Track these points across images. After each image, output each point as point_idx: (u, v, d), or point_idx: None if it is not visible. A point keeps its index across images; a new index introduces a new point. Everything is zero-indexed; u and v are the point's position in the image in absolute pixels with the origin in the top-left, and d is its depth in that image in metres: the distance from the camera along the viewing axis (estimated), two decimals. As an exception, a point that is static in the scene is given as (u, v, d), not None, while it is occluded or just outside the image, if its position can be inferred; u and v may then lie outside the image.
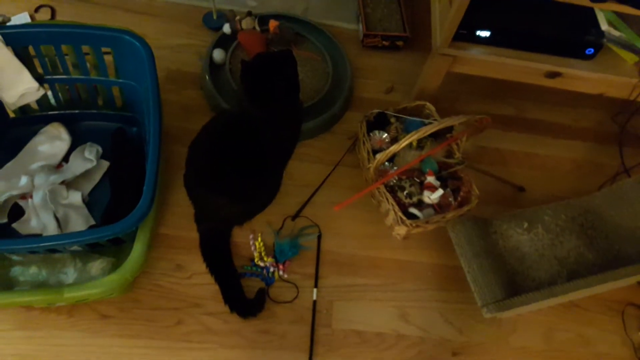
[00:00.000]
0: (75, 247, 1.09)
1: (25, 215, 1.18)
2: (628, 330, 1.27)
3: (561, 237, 1.26)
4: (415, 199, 1.25)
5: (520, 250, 1.23)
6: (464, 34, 1.28)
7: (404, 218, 1.19)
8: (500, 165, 1.47)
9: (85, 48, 1.18)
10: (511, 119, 1.57)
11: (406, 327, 1.20)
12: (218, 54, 1.45)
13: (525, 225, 1.25)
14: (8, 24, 1.17)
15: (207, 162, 1.16)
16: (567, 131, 1.58)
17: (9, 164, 1.23)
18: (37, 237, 1.14)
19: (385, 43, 1.60)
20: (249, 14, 1.52)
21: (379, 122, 1.37)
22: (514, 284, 1.17)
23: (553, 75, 1.35)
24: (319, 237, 1.28)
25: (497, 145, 1.51)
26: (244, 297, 1.16)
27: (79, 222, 1.18)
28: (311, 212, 1.31)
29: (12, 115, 1.27)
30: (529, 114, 1.59)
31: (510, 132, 1.54)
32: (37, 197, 1.17)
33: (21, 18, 1.50)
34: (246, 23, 1.49)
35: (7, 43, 1.13)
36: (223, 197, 1.16)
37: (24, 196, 1.19)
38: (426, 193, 1.25)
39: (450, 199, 1.27)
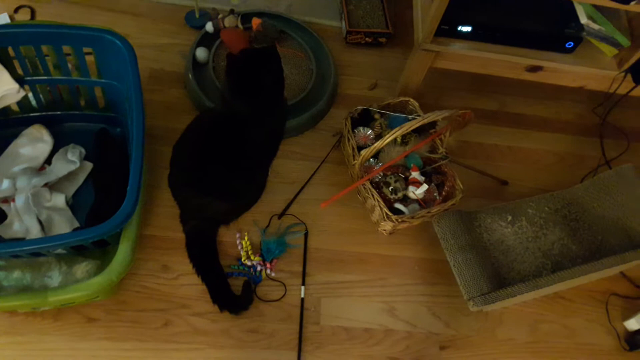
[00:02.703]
0: (59, 250, 1.08)
1: (8, 219, 1.16)
2: (612, 320, 1.29)
3: (545, 230, 1.27)
4: (400, 195, 1.26)
5: (504, 243, 1.24)
6: (446, 30, 1.29)
7: (390, 214, 1.20)
8: (483, 159, 1.49)
9: (66, 48, 1.17)
10: (494, 114, 1.58)
11: (394, 322, 1.21)
12: (201, 53, 1.44)
13: (509, 218, 1.27)
14: (-14, 25, 1.16)
15: (192, 162, 1.16)
16: (549, 124, 1.59)
17: (-10, 168, 1.22)
18: (20, 240, 1.13)
19: (369, 40, 1.60)
20: (232, 12, 1.51)
21: (364, 118, 1.37)
22: (499, 276, 1.19)
23: (534, 69, 1.36)
24: (306, 235, 1.28)
25: (480, 139, 1.52)
26: (232, 295, 1.16)
27: (63, 224, 1.17)
28: (298, 209, 1.32)
29: (-7, 118, 1.26)
30: (511, 108, 1.60)
31: (493, 126, 1.55)
32: (19, 201, 1.16)
33: (0, 19, 1.48)
34: (229, 21, 1.49)
35: (-15, 44, 1.11)
36: (208, 197, 1.16)
37: (5, 200, 1.18)
38: (411, 188, 1.25)
39: (434, 194, 1.28)
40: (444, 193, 1.28)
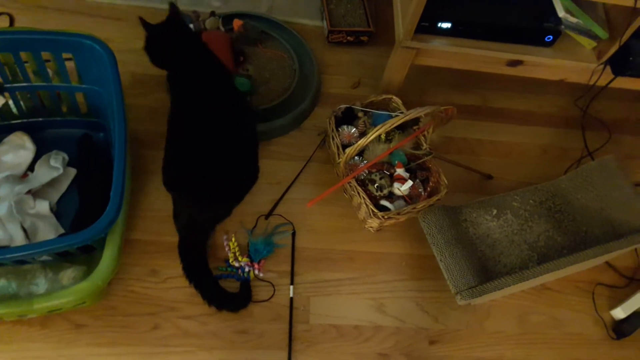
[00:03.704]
0: (45, 257, 1.07)
1: (-8, 228, 1.15)
2: (599, 310, 1.31)
3: (530, 222, 1.28)
4: (385, 192, 1.26)
5: (490, 237, 1.25)
6: (426, 26, 1.30)
7: (376, 211, 1.20)
8: (467, 154, 1.50)
9: (45, 54, 1.16)
10: (477, 109, 1.60)
11: (383, 318, 1.22)
12: (183, 56, 1.43)
13: (494, 211, 1.28)
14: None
15: (193, 154, 1.16)
16: (532, 118, 1.61)
17: (-29, 176, 1.20)
18: (4, 248, 1.12)
19: (350, 38, 1.61)
20: (212, 14, 1.51)
21: (347, 117, 1.38)
22: (486, 270, 1.20)
23: (514, 63, 1.37)
24: (293, 234, 1.28)
25: (463, 135, 1.53)
26: (229, 294, 1.16)
27: (48, 231, 1.16)
28: (284, 209, 1.32)
29: (-26, 127, 1.25)
30: (494, 102, 1.62)
31: (476, 121, 1.57)
32: (2, 209, 1.15)
33: (-22, 27, 1.47)
34: (210, 23, 1.49)
35: (-38, 53, 1.10)
36: (223, 181, 1.17)
37: (-12, 208, 1.17)
38: (396, 185, 1.26)
39: (420, 190, 1.29)
40: (428, 189, 1.29)
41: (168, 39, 1.19)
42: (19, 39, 1.12)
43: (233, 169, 1.19)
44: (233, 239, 1.25)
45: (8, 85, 1.19)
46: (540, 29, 1.34)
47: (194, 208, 1.19)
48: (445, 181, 1.27)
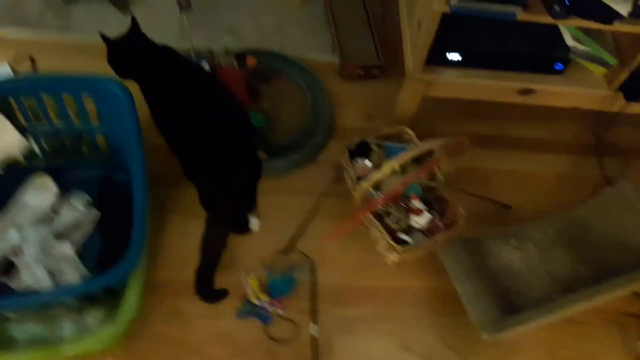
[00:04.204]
0: (69, 300, 1.08)
1: (17, 270, 1.16)
2: (627, 341, 1.27)
3: (551, 252, 1.27)
4: (403, 225, 1.26)
5: (511, 269, 1.24)
6: (435, 58, 1.31)
7: (394, 244, 1.20)
8: (484, 184, 1.49)
9: (66, 97, 1.19)
10: (491, 138, 1.59)
11: (408, 356, 1.20)
12: (199, 94, 1.46)
13: (515, 242, 1.27)
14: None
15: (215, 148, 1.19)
16: (547, 145, 1.60)
17: (-4, 219, 1.22)
18: (31, 291, 1.13)
19: (362, 72, 1.63)
20: (227, 51, 1.54)
21: (361, 149, 1.38)
22: (509, 302, 1.18)
23: (526, 92, 1.38)
24: (313, 270, 1.28)
25: (479, 164, 1.53)
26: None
27: (72, 273, 1.17)
28: (303, 245, 1.32)
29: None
30: (508, 131, 1.62)
31: (491, 150, 1.56)
32: (28, 251, 1.16)
33: (1, 69, 1.50)
34: (224, 61, 1.52)
35: (-12, 97, 1.13)
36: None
37: (14, 251, 1.18)
38: (413, 217, 1.26)
39: (437, 222, 1.29)
40: (446, 221, 1.28)
41: (129, 50, 1.22)
42: (41, 82, 1.15)
43: (248, 152, 1.23)
44: (252, 276, 1.24)
45: (31, 128, 1.22)
46: (549, 57, 1.35)
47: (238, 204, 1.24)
48: (463, 213, 1.26)
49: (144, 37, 1.23)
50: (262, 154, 1.36)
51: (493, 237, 1.27)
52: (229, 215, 1.24)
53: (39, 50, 1.55)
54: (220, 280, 1.22)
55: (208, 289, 1.18)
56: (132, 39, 1.22)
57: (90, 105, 1.21)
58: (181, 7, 1.43)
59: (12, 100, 1.18)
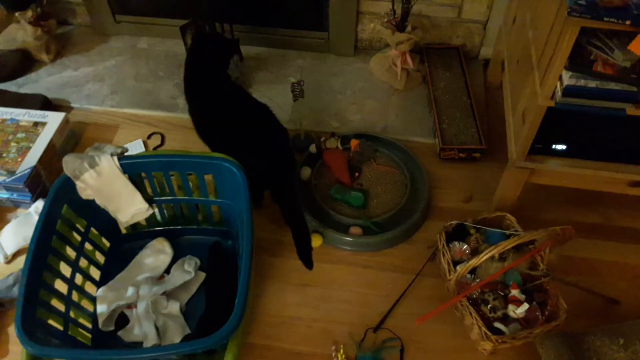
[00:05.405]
0: (172, 357, 1.17)
1: (130, 324, 1.29)
2: None
3: (665, 356, 1.17)
4: (499, 313, 1.23)
5: (618, 371, 1.15)
6: (540, 148, 1.31)
7: (489, 333, 1.17)
8: (589, 276, 1.42)
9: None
10: (598, 227, 1.53)
11: None
12: (305, 172, 1.58)
13: (622, 341, 1.18)
14: (125, 153, 1.36)
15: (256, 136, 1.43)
16: (661, 238, 1.50)
17: (119, 276, 1.37)
18: (139, 346, 1.24)
19: (462, 155, 1.66)
20: (333, 134, 1.65)
21: (459, 232, 1.39)
22: (614, 408, 1.09)
23: (637, 184, 1.32)
24: (402, 351, 1.28)
25: (584, 254, 1.46)
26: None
27: (176, 330, 1.27)
28: (393, 323, 1.32)
29: (123, 231, 1.44)
30: (617, 221, 1.54)
31: (598, 240, 1.49)
32: (140, 307, 1.29)
33: (136, 144, 1.73)
34: (330, 143, 1.63)
35: (124, 171, 1.30)
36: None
37: (129, 306, 1.31)
38: (511, 307, 1.23)
39: (537, 313, 1.24)
40: (546, 312, 1.23)
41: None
42: (169, 162, 1.30)
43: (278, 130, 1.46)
44: (341, 351, 1.27)
45: (156, 198, 1.38)
46: (663, 150, 1.29)
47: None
48: (565, 306, 1.21)
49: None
50: (357, 229, 1.43)
51: (597, 333, 1.19)
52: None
53: (167, 128, 1.78)
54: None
55: (309, 255, 1.35)
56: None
57: (208, 177, 1.35)
58: (295, 97, 1.58)
59: (143, 174, 1.34)
